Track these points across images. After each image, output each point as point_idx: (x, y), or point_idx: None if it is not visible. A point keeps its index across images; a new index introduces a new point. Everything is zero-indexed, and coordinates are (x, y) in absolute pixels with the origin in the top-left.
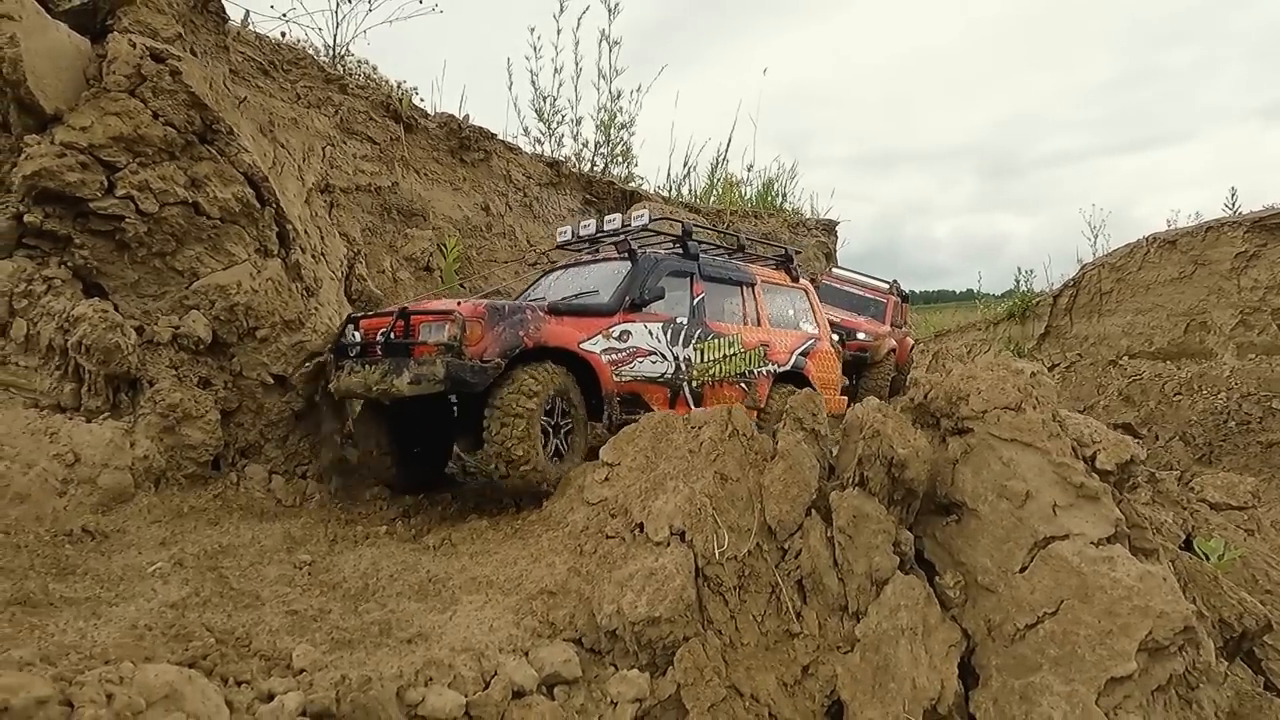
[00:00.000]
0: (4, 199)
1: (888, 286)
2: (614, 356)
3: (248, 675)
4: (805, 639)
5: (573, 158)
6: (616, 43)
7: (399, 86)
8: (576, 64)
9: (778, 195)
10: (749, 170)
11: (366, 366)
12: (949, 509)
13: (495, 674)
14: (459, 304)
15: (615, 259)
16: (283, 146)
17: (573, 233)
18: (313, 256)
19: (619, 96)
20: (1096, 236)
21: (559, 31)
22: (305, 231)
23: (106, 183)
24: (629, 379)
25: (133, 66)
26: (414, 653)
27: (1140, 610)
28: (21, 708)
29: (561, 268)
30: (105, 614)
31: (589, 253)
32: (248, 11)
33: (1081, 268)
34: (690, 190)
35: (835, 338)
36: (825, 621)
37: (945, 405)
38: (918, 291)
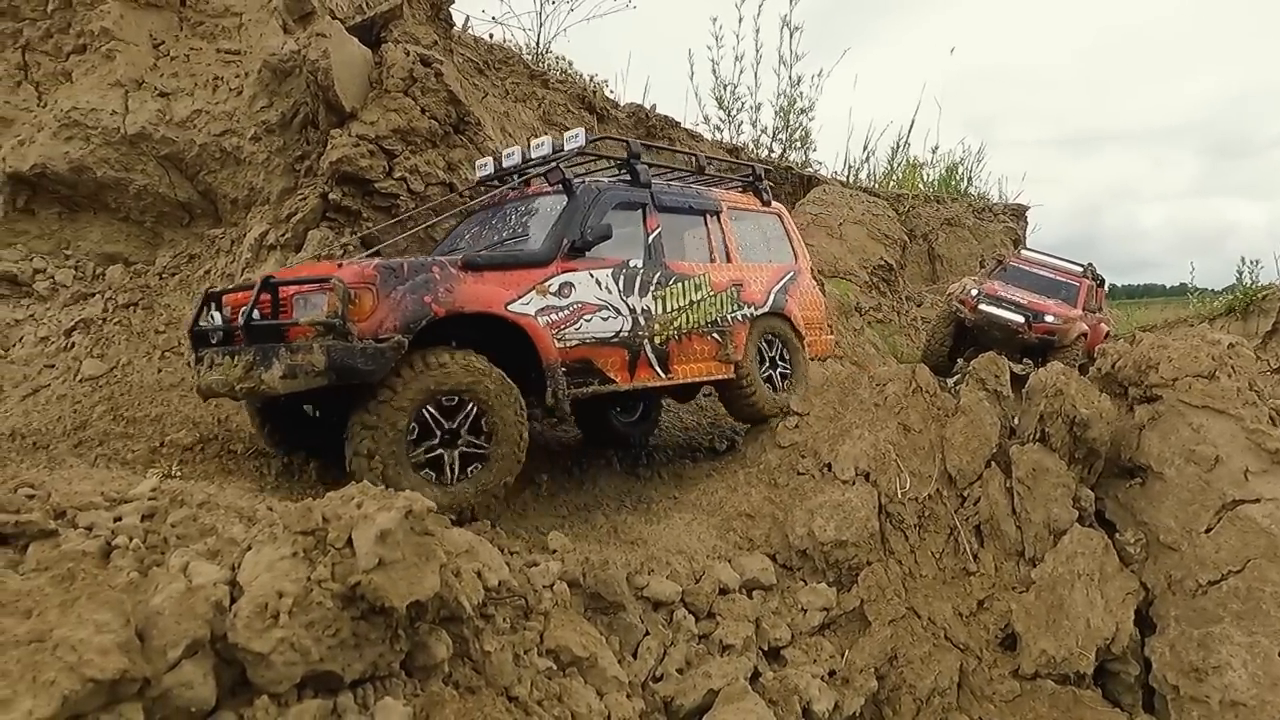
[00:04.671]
0: (314, 181)
1: (1081, 270)
2: (554, 317)
3: (516, 549)
4: (981, 577)
5: (751, 144)
6: (797, 28)
7: (592, 80)
8: (757, 51)
9: (962, 179)
10: (934, 152)
11: (229, 357)
12: (1132, 472)
13: (704, 573)
14: (340, 265)
15: (547, 193)
16: (510, 136)
17: (495, 165)
18: None
19: (799, 82)
20: None
21: (740, 20)
22: None
23: (387, 167)
24: (576, 343)
25: (406, 71)
26: (636, 551)
27: None
28: (392, 526)
29: (482, 209)
30: None
31: (518, 190)
32: (468, 17)
33: None
34: (869, 175)
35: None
36: (1001, 564)
37: (1134, 373)
38: (1119, 285)
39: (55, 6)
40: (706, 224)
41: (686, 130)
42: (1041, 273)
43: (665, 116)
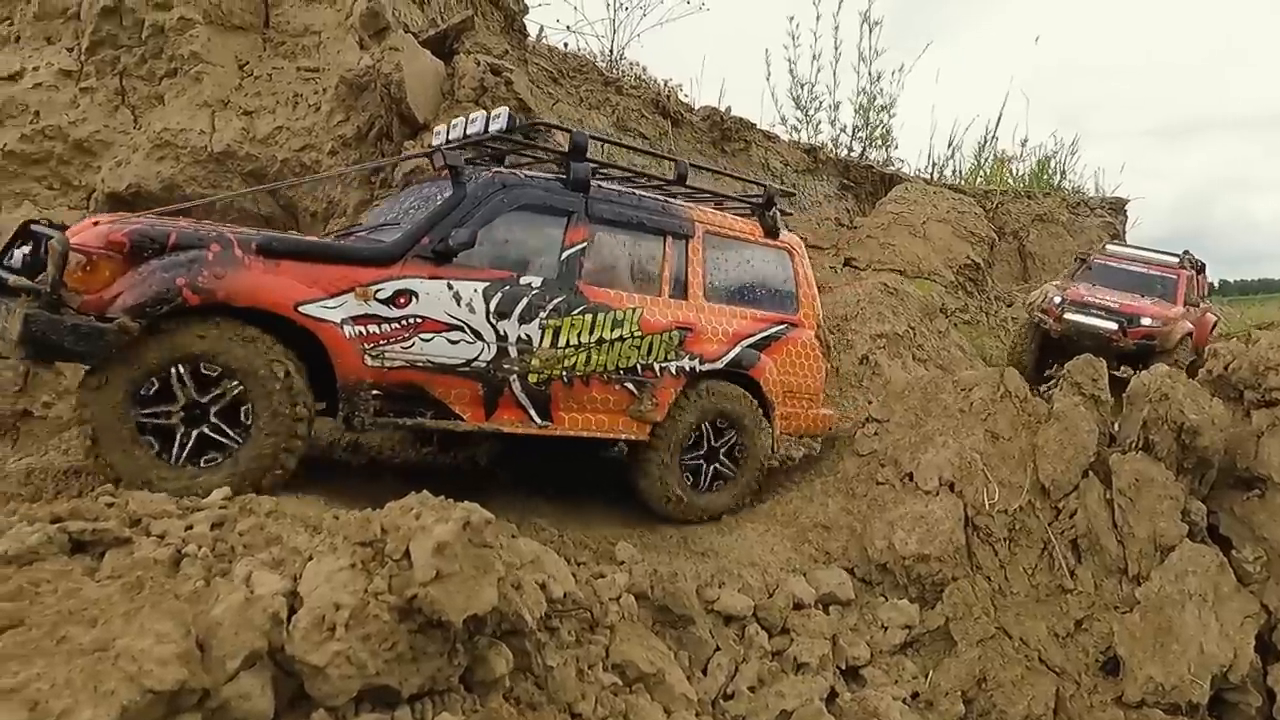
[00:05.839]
0: (388, 192)
1: (1177, 260)
2: (373, 329)
3: (584, 559)
4: (1079, 595)
5: (830, 143)
6: (877, 24)
7: (665, 84)
8: (836, 48)
9: (1055, 173)
10: (1023, 146)
11: None
12: (1250, 483)
13: (778, 587)
14: (95, 222)
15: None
16: None
17: (446, 135)
18: None
19: (878, 79)
20: None
21: (818, 18)
22: None
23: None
24: (401, 364)
25: (477, 80)
26: (707, 562)
27: None
28: (449, 538)
29: (419, 184)
30: None
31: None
32: (542, 27)
33: None
34: (954, 171)
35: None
36: (1101, 582)
37: (1250, 375)
38: (1231, 281)
39: (149, 34)
40: (665, 247)
41: (763, 131)
42: (1132, 268)
43: (740, 119)
